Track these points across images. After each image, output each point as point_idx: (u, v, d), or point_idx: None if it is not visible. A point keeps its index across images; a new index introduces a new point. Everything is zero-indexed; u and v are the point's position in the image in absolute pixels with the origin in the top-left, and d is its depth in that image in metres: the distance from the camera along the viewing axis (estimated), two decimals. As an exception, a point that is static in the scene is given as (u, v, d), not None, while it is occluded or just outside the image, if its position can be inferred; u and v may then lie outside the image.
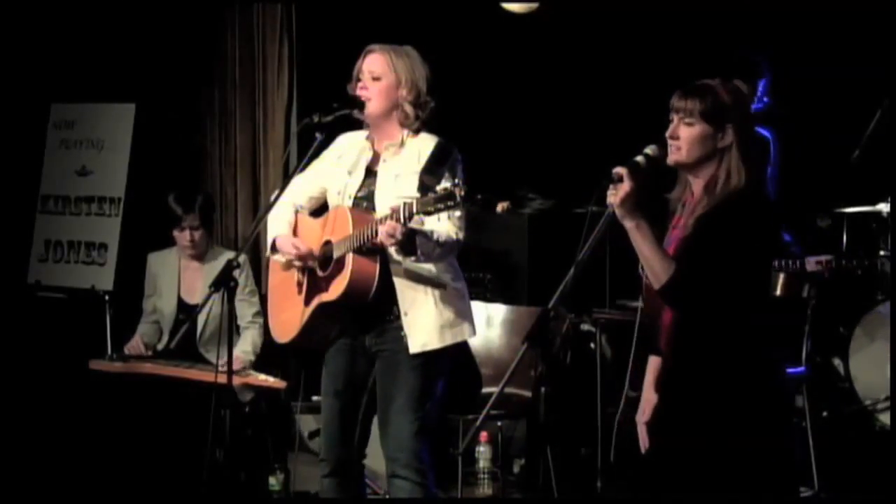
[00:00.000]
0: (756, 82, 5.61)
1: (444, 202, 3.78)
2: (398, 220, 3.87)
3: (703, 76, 3.55)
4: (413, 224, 3.94)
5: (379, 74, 4.20)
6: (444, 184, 3.82)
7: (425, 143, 4.20)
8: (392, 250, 4.06)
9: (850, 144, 5.89)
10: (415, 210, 3.84)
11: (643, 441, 3.68)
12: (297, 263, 4.30)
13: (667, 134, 3.49)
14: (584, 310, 6.02)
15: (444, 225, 4.07)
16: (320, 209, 4.41)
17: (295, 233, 4.36)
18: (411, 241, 3.97)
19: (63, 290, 6.60)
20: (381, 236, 3.93)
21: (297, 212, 4.39)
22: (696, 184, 3.53)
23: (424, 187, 3.91)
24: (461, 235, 4.13)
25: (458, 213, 4.06)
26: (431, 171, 4.04)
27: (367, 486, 4.62)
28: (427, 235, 4.02)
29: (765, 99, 5.63)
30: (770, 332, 3.49)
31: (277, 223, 4.35)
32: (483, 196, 3.86)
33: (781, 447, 3.45)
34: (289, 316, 4.35)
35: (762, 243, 3.47)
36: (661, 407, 3.60)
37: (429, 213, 3.84)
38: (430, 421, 4.22)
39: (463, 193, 3.76)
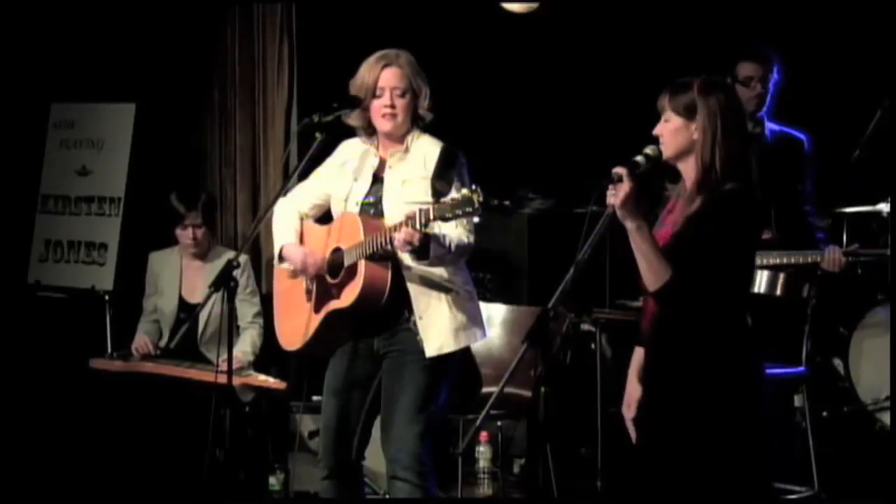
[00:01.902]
0: (768, 64, 5.61)
1: (463, 208, 3.78)
2: (414, 226, 3.88)
3: (707, 71, 3.59)
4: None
5: (404, 90, 4.21)
6: (462, 190, 3.81)
7: (430, 148, 4.21)
8: (405, 255, 4.06)
9: (850, 144, 5.89)
10: (432, 216, 3.84)
11: (632, 434, 3.70)
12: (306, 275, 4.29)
13: (653, 133, 3.57)
14: (584, 310, 6.02)
15: (454, 229, 4.08)
16: (324, 216, 4.41)
17: (301, 240, 4.36)
18: (425, 246, 3.97)
19: (63, 290, 6.60)
20: (398, 243, 3.93)
21: (301, 219, 4.39)
22: (688, 178, 3.57)
23: (437, 193, 3.91)
24: (471, 239, 4.15)
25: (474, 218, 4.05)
26: (442, 177, 4.04)
27: (367, 486, 4.62)
28: (440, 240, 4.03)
29: (776, 78, 5.62)
30: (748, 328, 3.58)
31: (284, 231, 4.35)
32: (501, 203, 3.88)
33: (754, 441, 3.48)
34: (297, 323, 4.34)
35: (750, 243, 3.56)
36: (645, 399, 3.63)
37: (447, 220, 3.84)
38: (434, 423, 4.22)
39: (482, 199, 3.76)
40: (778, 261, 5.47)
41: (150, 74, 6.76)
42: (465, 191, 3.79)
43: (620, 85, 6.72)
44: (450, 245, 4.07)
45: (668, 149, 3.56)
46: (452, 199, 3.80)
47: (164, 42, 6.78)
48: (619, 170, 3.45)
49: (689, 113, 3.52)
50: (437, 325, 4.17)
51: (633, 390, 3.71)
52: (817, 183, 5.71)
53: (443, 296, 4.18)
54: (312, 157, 4.30)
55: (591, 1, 6.72)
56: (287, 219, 4.37)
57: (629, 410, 3.70)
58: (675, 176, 3.67)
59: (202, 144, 6.95)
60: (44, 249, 6.79)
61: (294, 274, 4.38)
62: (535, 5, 6.90)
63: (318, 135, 4.18)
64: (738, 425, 3.47)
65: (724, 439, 3.46)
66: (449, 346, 4.18)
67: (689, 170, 3.57)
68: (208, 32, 6.87)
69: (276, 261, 4.40)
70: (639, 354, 3.73)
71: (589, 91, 6.88)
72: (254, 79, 6.81)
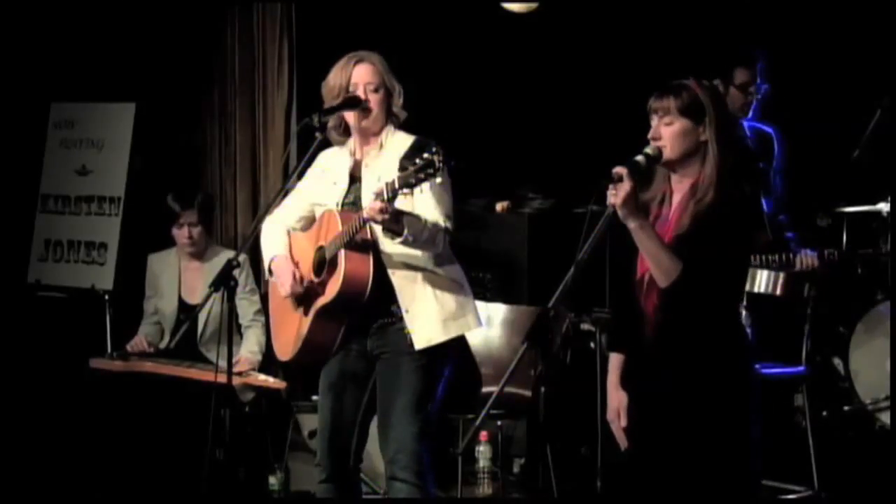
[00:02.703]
0: (755, 67, 5.62)
1: (424, 171, 3.76)
2: (382, 199, 3.87)
3: (702, 73, 3.58)
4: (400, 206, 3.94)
5: (377, 85, 4.21)
6: (424, 155, 3.79)
7: (403, 142, 4.21)
8: (380, 236, 4.05)
9: (851, 144, 5.89)
10: (397, 186, 3.82)
11: (621, 441, 3.69)
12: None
13: (648, 136, 3.54)
14: (584, 309, 6.02)
15: (431, 213, 4.08)
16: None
17: (290, 251, 4.35)
18: (398, 221, 3.95)
19: (63, 290, 6.60)
20: (366, 216, 3.92)
21: (289, 233, 4.39)
22: (683, 181, 3.56)
23: (403, 168, 3.90)
24: (449, 224, 4.13)
25: (438, 187, 4.01)
26: (409, 157, 4.02)
27: (366, 485, 4.62)
28: (413, 215, 4.02)
29: (763, 86, 5.62)
30: (743, 327, 3.64)
31: (273, 245, 4.35)
32: (460, 163, 3.84)
33: (748, 433, 3.49)
34: (290, 331, 4.34)
35: (751, 241, 3.56)
36: (639, 405, 3.62)
37: (411, 186, 3.81)
38: (430, 422, 4.22)
39: (441, 158, 3.74)
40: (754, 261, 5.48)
41: (150, 74, 6.76)
42: (425, 154, 3.78)
43: (620, 85, 6.72)
44: (425, 224, 4.05)
45: (672, 151, 3.52)
46: (413, 165, 3.79)
47: (164, 42, 6.79)
48: (620, 170, 3.44)
49: (696, 114, 3.50)
50: (423, 317, 4.16)
51: (618, 398, 3.69)
52: (787, 179, 5.71)
53: (428, 286, 4.17)
54: (312, 158, 4.31)
55: (591, 1, 6.72)
56: (274, 234, 4.37)
57: (619, 419, 3.68)
58: (641, 182, 3.64)
59: (202, 144, 6.95)
60: (44, 249, 6.79)
61: None
62: (534, 5, 6.90)
63: (317, 135, 4.18)
64: (742, 427, 3.47)
65: (729, 442, 3.45)
66: (438, 337, 4.16)
67: (687, 172, 3.55)
68: (208, 32, 6.87)
69: (266, 275, 4.40)
70: (616, 361, 3.72)
71: (589, 90, 6.89)
72: (254, 79, 6.81)
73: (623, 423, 3.67)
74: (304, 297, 4.29)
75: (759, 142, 5.65)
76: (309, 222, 4.39)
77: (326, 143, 4.34)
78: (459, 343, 4.29)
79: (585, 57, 6.95)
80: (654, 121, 3.55)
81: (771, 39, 6.07)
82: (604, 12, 6.75)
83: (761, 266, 5.52)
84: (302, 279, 4.26)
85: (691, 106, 3.50)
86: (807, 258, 5.49)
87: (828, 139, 5.95)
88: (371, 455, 4.44)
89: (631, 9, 6.69)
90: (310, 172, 4.37)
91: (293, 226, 4.40)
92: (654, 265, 3.45)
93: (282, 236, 4.37)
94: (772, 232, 5.56)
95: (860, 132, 5.88)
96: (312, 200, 4.36)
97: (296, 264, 4.31)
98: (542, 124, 7.05)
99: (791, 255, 5.49)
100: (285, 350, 4.39)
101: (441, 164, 3.75)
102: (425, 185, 3.85)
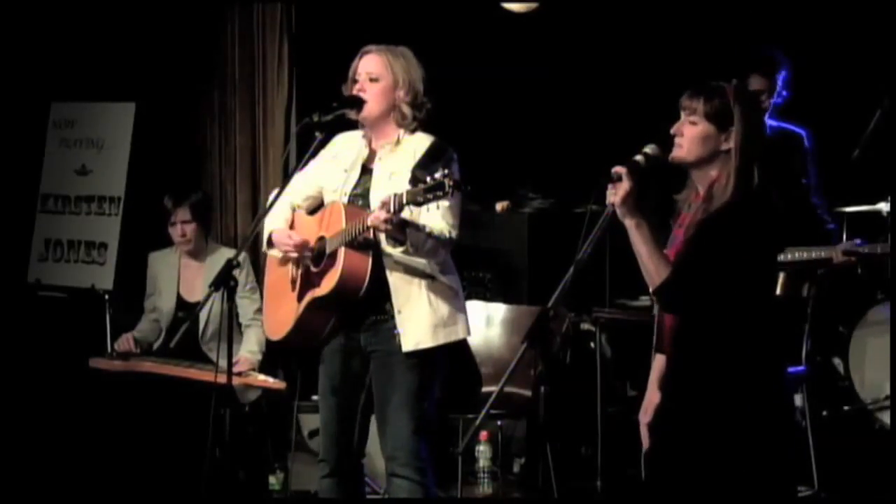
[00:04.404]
0: (774, 77, 5.58)
1: (434, 192, 3.78)
2: (388, 210, 3.88)
3: (703, 75, 3.56)
4: (405, 216, 3.95)
5: (377, 75, 4.21)
6: (435, 175, 3.81)
7: (421, 142, 4.20)
8: (382, 238, 4.06)
9: (850, 144, 5.89)
10: (405, 200, 3.84)
11: (644, 441, 3.68)
12: (293, 255, 4.28)
13: (672, 130, 3.51)
14: (584, 309, 6.02)
15: (437, 222, 4.07)
16: (318, 208, 4.41)
17: (292, 230, 4.37)
18: (401, 231, 3.96)
19: (63, 290, 6.60)
20: (370, 221, 3.93)
21: (293, 210, 4.40)
22: (700, 184, 3.53)
23: (416, 180, 3.90)
24: (454, 234, 4.13)
25: (447, 204, 4.02)
26: (424, 166, 4.02)
27: (366, 485, 4.62)
28: (418, 227, 4.02)
29: (784, 93, 5.60)
30: (771, 335, 3.47)
31: (274, 219, 4.35)
32: (472, 188, 3.85)
33: (778, 449, 3.44)
34: (283, 313, 4.36)
35: (761, 247, 3.46)
36: (662, 407, 3.61)
37: (419, 204, 3.83)
38: (428, 419, 4.22)
39: (452, 183, 3.76)
40: (788, 257, 5.43)
41: (150, 74, 6.76)
42: (437, 175, 3.79)
43: (620, 85, 6.73)
44: (429, 234, 4.05)
45: (688, 153, 3.47)
46: (424, 184, 3.80)
47: (164, 42, 6.79)
48: (619, 169, 3.44)
49: (721, 121, 3.43)
50: (415, 320, 4.16)
51: (651, 397, 3.67)
52: (821, 176, 5.70)
53: (424, 290, 4.17)
54: (312, 157, 4.31)
55: (591, 1, 6.72)
56: (278, 209, 4.36)
57: (646, 416, 3.67)
58: (679, 182, 3.62)
59: (202, 144, 6.95)
60: (44, 249, 6.79)
61: (283, 261, 4.39)
62: (534, 5, 6.91)
63: (317, 134, 4.18)
64: (761, 433, 3.41)
65: (745, 447, 3.41)
66: (426, 342, 4.17)
67: (703, 176, 3.49)
68: (208, 32, 6.87)
69: (264, 247, 4.40)
70: (659, 362, 3.68)
71: (589, 91, 6.89)
72: (254, 79, 6.82)
73: (646, 419, 3.66)
74: (299, 283, 4.30)
75: (786, 143, 5.61)
76: (315, 202, 4.40)
77: (327, 142, 4.34)
78: (457, 343, 4.29)
79: (585, 57, 6.95)
80: (682, 117, 3.50)
81: (770, 37, 6.07)
82: (604, 12, 6.75)
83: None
84: (305, 244, 4.25)
85: (719, 112, 3.43)
86: (839, 253, 5.42)
87: (829, 138, 5.94)
88: (371, 455, 4.45)
89: (632, 8, 6.69)
90: (323, 153, 4.36)
91: (299, 203, 4.41)
92: (643, 267, 3.43)
93: (286, 212, 4.38)
94: (815, 228, 5.54)
95: (861, 131, 5.87)
96: (321, 183, 4.36)
97: None
98: (541, 124, 7.05)
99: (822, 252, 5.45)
100: (275, 331, 4.41)
101: (451, 189, 3.76)
102: (432, 204, 3.86)
